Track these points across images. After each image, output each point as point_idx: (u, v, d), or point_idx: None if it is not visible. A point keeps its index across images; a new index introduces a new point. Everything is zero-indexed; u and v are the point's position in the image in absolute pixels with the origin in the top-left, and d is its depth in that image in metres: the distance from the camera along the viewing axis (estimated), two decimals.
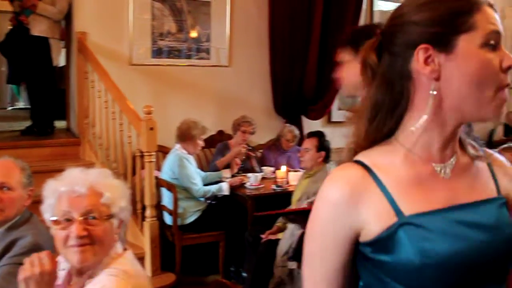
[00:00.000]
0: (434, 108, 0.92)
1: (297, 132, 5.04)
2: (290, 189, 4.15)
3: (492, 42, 0.89)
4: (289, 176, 4.40)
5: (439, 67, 0.90)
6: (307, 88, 5.45)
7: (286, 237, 3.25)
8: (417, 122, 0.93)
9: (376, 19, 6.47)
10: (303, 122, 5.63)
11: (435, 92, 0.91)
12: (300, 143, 4.64)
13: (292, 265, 3.14)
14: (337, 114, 6.15)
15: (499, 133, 7.76)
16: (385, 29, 0.97)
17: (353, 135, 1.00)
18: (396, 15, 0.96)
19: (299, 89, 5.47)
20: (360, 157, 0.97)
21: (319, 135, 3.83)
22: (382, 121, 0.96)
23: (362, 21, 6.11)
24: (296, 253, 3.07)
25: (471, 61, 0.89)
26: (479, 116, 0.92)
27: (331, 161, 3.93)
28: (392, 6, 6.57)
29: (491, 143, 6.97)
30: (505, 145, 3.53)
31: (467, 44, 0.88)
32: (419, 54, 0.90)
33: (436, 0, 0.91)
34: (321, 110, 5.61)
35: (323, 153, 3.72)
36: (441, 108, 0.92)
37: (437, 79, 0.90)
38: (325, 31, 5.40)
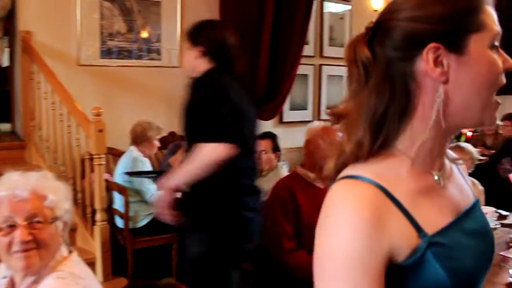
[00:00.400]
0: (440, 114, 0.83)
1: None
2: None
3: (496, 43, 0.84)
4: None
5: (448, 69, 0.81)
6: (258, 89, 5.47)
7: None
8: (423, 130, 0.84)
9: (326, 21, 6.59)
10: None
11: (442, 96, 0.82)
12: None
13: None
14: (288, 114, 6.22)
15: None
16: (381, 23, 0.86)
17: (349, 146, 0.86)
18: (396, 8, 0.86)
19: (250, 90, 5.48)
20: (356, 171, 0.84)
21: (272, 136, 3.88)
22: (392, 131, 0.85)
23: (312, 22, 6.21)
24: None
25: (483, 63, 0.82)
26: (480, 121, 0.86)
27: (282, 161, 3.98)
28: (342, 8, 6.69)
29: None
30: (453, 144, 3.67)
31: (478, 44, 0.81)
32: (429, 54, 0.81)
33: None
34: (273, 111, 5.65)
35: (278, 154, 3.79)
36: (445, 114, 0.83)
37: (445, 82, 0.82)
38: (276, 33, 5.45)
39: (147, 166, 4.23)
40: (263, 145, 3.80)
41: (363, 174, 0.82)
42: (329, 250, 0.79)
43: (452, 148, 3.57)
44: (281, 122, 6.16)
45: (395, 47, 0.84)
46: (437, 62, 0.81)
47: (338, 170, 0.88)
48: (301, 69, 6.04)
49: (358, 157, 0.85)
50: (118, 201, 4.05)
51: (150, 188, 4.05)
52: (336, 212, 0.80)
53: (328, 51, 6.68)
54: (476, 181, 3.58)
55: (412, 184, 0.84)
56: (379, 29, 0.86)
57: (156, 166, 4.88)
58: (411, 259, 0.79)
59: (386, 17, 0.86)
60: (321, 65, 6.63)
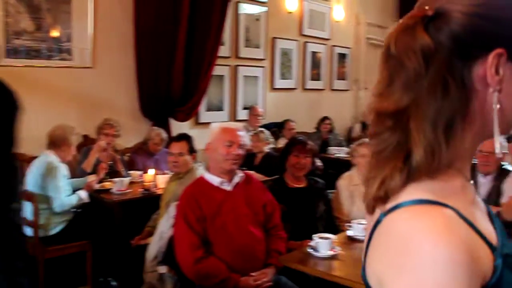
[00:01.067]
0: (497, 122, 0.75)
1: (165, 135, 4.99)
2: (159, 192, 4.11)
3: None
4: (157, 179, 4.36)
5: (503, 78, 0.74)
6: (174, 90, 5.43)
7: (155, 241, 3.21)
8: (468, 138, 0.77)
9: (242, 22, 6.64)
10: (171, 124, 5.61)
11: (498, 106, 0.74)
12: (168, 146, 4.61)
13: (162, 269, 3.10)
14: (205, 115, 6.22)
15: (356, 130, 8.35)
16: (442, 11, 0.75)
17: (419, 154, 0.72)
18: (466, 1, 0.75)
19: (166, 91, 5.44)
20: (418, 193, 0.72)
21: (188, 138, 3.85)
22: (459, 137, 0.75)
23: (228, 23, 6.24)
24: (166, 256, 3.05)
25: None
26: (507, 130, 0.80)
27: (198, 162, 3.97)
28: (257, 10, 6.78)
29: (350, 140, 7.49)
30: (360, 140, 3.84)
31: None
32: (493, 59, 0.73)
33: None
34: (188, 112, 5.63)
35: (195, 155, 3.77)
36: (491, 121, 0.76)
37: (500, 91, 0.74)
38: (191, 33, 5.43)
39: (63, 171, 4.06)
40: (180, 147, 3.77)
41: (427, 197, 0.71)
42: None
43: (359, 144, 3.73)
44: (197, 123, 6.15)
45: (458, 40, 0.73)
46: (497, 69, 0.74)
47: (396, 187, 0.74)
48: (217, 70, 6.06)
49: (428, 169, 0.73)
50: (27, 209, 3.87)
51: (61, 196, 3.90)
52: (426, 249, 0.66)
53: (244, 52, 6.75)
54: None
55: (467, 199, 0.76)
56: (438, 17, 0.75)
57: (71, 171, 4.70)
58: (494, 279, 0.70)
59: (448, 6, 0.75)
60: (237, 65, 6.68)
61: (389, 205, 0.73)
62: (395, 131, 0.75)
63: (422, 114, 0.73)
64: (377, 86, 0.79)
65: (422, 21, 0.74)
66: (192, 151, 3.77)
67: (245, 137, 2.94)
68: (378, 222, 0.74)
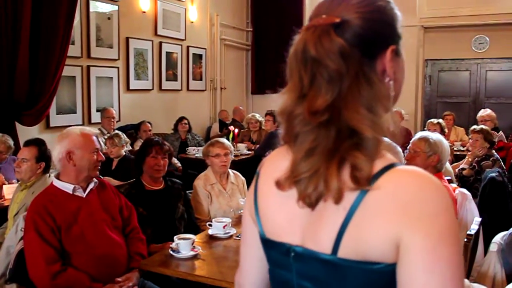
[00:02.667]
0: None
1: (10, 142, 4.60)
2: (6, 203, 3.80)
3: None
4: (3, 190, 4.02)
5: (394, 69, 0.91)
6: (18, 92, 5.03)
7: (1, 258, 2.95)
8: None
9: (93, 20, 6.38)
10: (18, 129, 5.19)
11: (393, 94, 0.91)
12: (16, 153, 4.27)
13: None
14: (56, 118, 5.87)
15: (214, 129, 8.47)
16: (346, 20, 0.86)
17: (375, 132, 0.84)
18: (371, 8, 0.89)
19: (9, 93, 5.02)
20: (391, 158, 0.87)
21: (38, 144, 3.58)
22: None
23: (77, 21, 5.96)
24: (15, 274, 2.82)
25: (403, 63, 0.95)
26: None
27: (52, 169, 3.73)
28: (109, 8, 6.55)
29: (209, 139, 7.58)
30: (212, 140, 3.91)
31: (400, 49, 0.94)
32: (390, 54, 0.90)
33: (392, 6, 0.93)
34: (37, 116, 5.27)
35: (43, 164, 3.51)
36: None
37: (393, 80, 0.91)
38: (36, 30, 5.09)
39: None
40: (25, 153, 3.51)
41: (396, 161, 0.86)
42: (452, 230, 0.80)
43: (212, 144, 3.79)
44: (48, 127, 5.79)
45: (362, 42, 0.86)
46: (392, 61, 0.90)
47: (368, 169, 0.83)
48: (68, 71, 5.76)
49: (381, 142, 0.85)
50: None
51: None
52: (441, 196, 0.81)
53: (96, 52, 6.49)
54: (237, 172, 3.91)
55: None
56: (343, 25, 0.86)
57: None
58: None
59: (350, 13, 0.87)
60: (89, 66, 6.40)
61: (372, 170, 0.82)
62: (331, 123, 0.83)
63: (354, 105, 0.83)
64: (294, 90, 0.87)
65: (332, 28, 0.85)
66: (41, 159, 3.51)
67: (98, 143, 2.84)
68: (363, 194, 0.81)
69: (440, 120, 7.06)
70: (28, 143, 3.65)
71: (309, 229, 0.88)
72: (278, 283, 0.98)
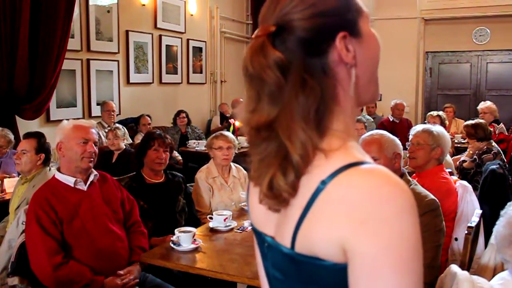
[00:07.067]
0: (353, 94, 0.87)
1: (11, 136, 4.59)
2: (7, 197, 3.81)
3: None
4: (4, 184, 4.02)
5: (354, 53, 0.86)
6: (18, 86, 5.03)
7: (3, 251, 2.96)
8: (348, 113, 0.88)
9: (92, 13, 6.36)
10: (18, 123, 5.19)
11: (354, 79, 0.86)
12: (16, 147, 4.26)
13: (13, 281, 2.88)
14: (56, 112, 5.87)
15: (215, 122, 8.47)
16: (283, 25, 0.84)
17: (296, 153, 0.82)
18: (291, 10, 0.84)
19: (9, 87, 5.01)
20: (352, 157, 0.81)
21: (37, 136, 3.59)
22: (329, 122, 0.85)
23: (77, 14, 5.95)
24: (16, 266, 2.82)
25: (372, 39, 0.90)
26: (376, 95, 0.93)
27: (53, 162, 3.74)
28: (108, 1, 6.53)
29: (209, 132, 7.58)
30: (216, 133, 3.90)
31: (365, 26, 0.89)
32: (341, 43, 0.84)
33: None
34: (37, 109, 5.26)
35: (42, 155, 3.52)
36: (359, 93, 0.89)
37: (355, 65, 0.86)
38: (35, 24, 5.08)
39: None
40: (24, 145, 3.51)
41: (363, 159, 0.80)
42: (404, 236, 0.73)
43: (216, 137, 3.80)
44: (48, 120, 5.78)
45: (306, 43, 0.83)
46: (348, 49, 0.84)
47: (293, 183, 0.82)
48: (67, 64, 5.75)
49: (308, 159, 0.81)
50: None
51: None
52: (394, 199, 0.74)
53: (96, 45, 6.47)
54: (239, 166, 3.94)
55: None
56: (281, 31, 0.84)
57: None
58: None
59: (286, 18, 0.84)
60: (88, 59, 6.39)
61: (323, 174, 0.79)
62: (270, 141, 0.83)
63: (291, 118, 0.81)
64: (248, 104, 0.86)
65: (268, 39, 0.83)
66: (40, 150, 3.52)
67: (96, 134, 2.83)
68: (319, 191, 0.79)
69: (440, 112, 6.90)
70: (27, 135, 3.66)
71: (279, 222, 0.89)
72: (264, 271, 1.00)
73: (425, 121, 6.69)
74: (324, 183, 0.78)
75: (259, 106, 0.84)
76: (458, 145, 6.51)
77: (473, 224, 2.59)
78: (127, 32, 7.04)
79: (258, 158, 0.86)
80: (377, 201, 0.73)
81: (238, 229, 3.00)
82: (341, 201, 0.76)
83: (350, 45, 0.85)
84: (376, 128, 6.38)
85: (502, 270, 2.57)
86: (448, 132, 5.98)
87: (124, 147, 5.19)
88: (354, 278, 0.75)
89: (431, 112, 6.90)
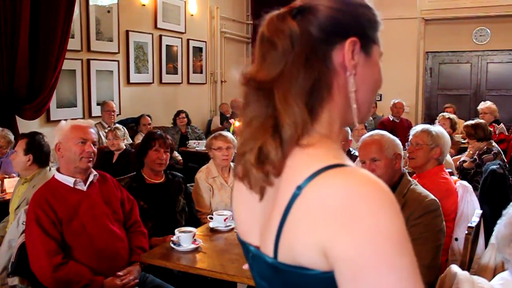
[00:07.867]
0: (353, 102, 0.89)
1: (11, 136, 4.58)
2: (7, 197, 3.80)
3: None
4: (4, 184, 4.02)
5: (357, 64, 0.88)
6: (18, 86, 5.02)
7: (3, 251, 2.96)
8: (338, 117, 0.89)
9: (93, 13, 6.36)
10: (18, 123, 5.18)
11: (355, 87, 0.88)
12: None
13: (13, 281, 2.88)
14: (56, 112, 5.86)
15: (215, 122, 8.47)
16: (308, 5, 0.88)
17: (288, 129, 0.83)
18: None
19: (9, 87, 5.01)
20: (329, 160, 0.80)
21: (29, 136, 3.54)
22: (316, 113, 0.86)
23: (77, 14, 5.94)
24: (16, 266, 2.82)
25: (377, 69, 0.93)
26: (365, 117, 0.96)
27: (52, 162, 3.72)
28: (108, 1, 6.53)
29: (209, 132, 7.58)
30: (216, 133, 3.90)
31: (376, 53, 0.92)
32: (349, 46, 0.87)
33: (367, 6, 0.92)
34: (37, 109, 5.26)
35: (30, 156, 3.45)
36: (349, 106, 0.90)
37: (355, 74, 0.88)
38: (35, 24, 5.07)
39: None
40: (17, 145, 3.49)
41: (340, 162, 0.79)
42: (383, 234, 0.71)
43: (215, 137, 3.79)
44: (48, 121, 5.78)
45: (321, 29, 0.86)
46: (352, 55, 0.87)
47: (280, 161, 0.82)
48: (67, 64, 5.75)
49: (297, 140, 0.82)
50: None
51: None
52: (369, 197, 0.73)
53: (96, 45, 6.47)
54: None
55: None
56: (304, 9, 0.88)
57: None
58: None
59: (316, 1, 0.89)
60: (89, 59, 6.39)
61: (299, 178, 0.78)
62: (263, 102, 0.85)
63: (287, 86, 0.83)
64: (253, 66, 0.89)
65: (290, 12, 0.88)
66: (29, 150, 3.45)
67: (95, 134, 2.83)
68: (295, 197, 0.77)
69: (453, 116, 6.62)
70: (21, 136, 3.64)
71: (262, 230, 0.87)
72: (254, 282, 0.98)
73: (436, 121, 6.41)
74: (299, 188, 0.77)
75: (263, 66, 0.87)
76: (460, 146, 6.38)
77: (473, 224, 2.58)
78: (127, 32, 7.04)
79: (248, 119, 0.87)
80: (353, 202, 0.72)
81: None
82: (318, 205, 0.74)
83: (356, 55, 0.87)
84: (376, 128, 6.36)
85: (503, 270, 2.57)
86: (456, 134, 5.95)
87: (124, 147, 5.19)
88: (339, 284, 0.74)
89: (444, 114, 6.63)
